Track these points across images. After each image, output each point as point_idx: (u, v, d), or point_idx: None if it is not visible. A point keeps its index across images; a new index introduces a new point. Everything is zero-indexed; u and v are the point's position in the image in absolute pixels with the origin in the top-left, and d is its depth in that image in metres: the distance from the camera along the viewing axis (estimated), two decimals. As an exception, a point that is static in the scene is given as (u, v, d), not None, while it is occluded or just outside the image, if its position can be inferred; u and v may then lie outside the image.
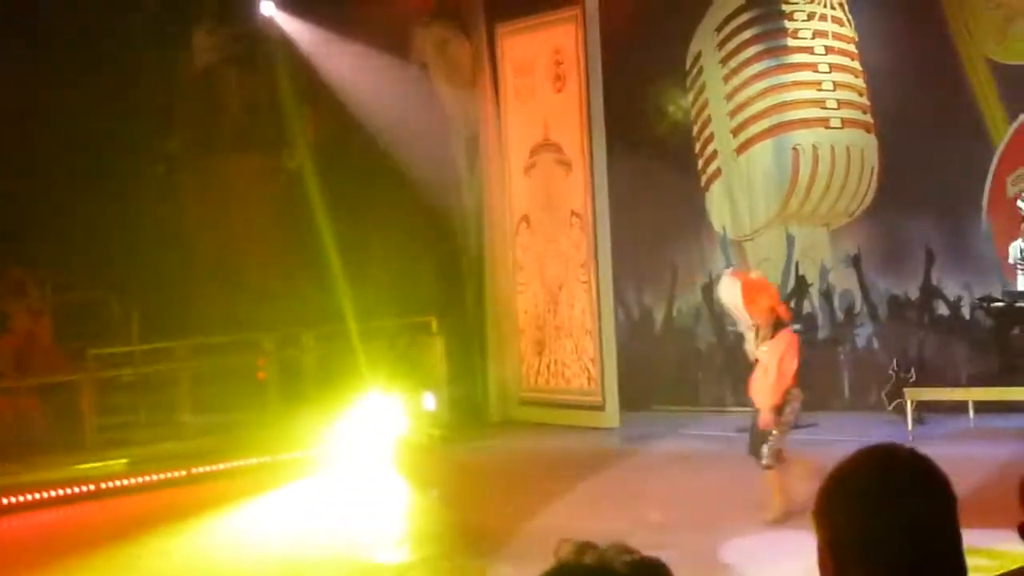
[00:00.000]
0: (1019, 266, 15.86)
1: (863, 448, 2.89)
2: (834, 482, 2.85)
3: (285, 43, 19.29)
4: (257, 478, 15.77)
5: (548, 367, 19.49)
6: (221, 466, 16.39)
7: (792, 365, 11.98)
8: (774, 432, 12.05)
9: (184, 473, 16.13)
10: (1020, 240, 15.81)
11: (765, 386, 11.94)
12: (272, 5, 19.27)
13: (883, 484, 2.81)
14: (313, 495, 15.06)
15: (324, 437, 16.82)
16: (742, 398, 18.61)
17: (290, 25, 19.30)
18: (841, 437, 15.93)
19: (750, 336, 12.20)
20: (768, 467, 12.12)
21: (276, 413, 17.74)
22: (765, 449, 12.04)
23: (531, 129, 19.69)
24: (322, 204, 18.38)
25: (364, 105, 19.21)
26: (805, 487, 11.13)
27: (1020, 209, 15.91)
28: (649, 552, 2.52)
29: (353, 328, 17.72)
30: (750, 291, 12.31)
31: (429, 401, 18.18)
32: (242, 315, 18.13)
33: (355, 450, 16.73)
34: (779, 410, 12.10)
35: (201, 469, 16.24)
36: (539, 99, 19.55)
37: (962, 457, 14.04)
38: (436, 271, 20.19)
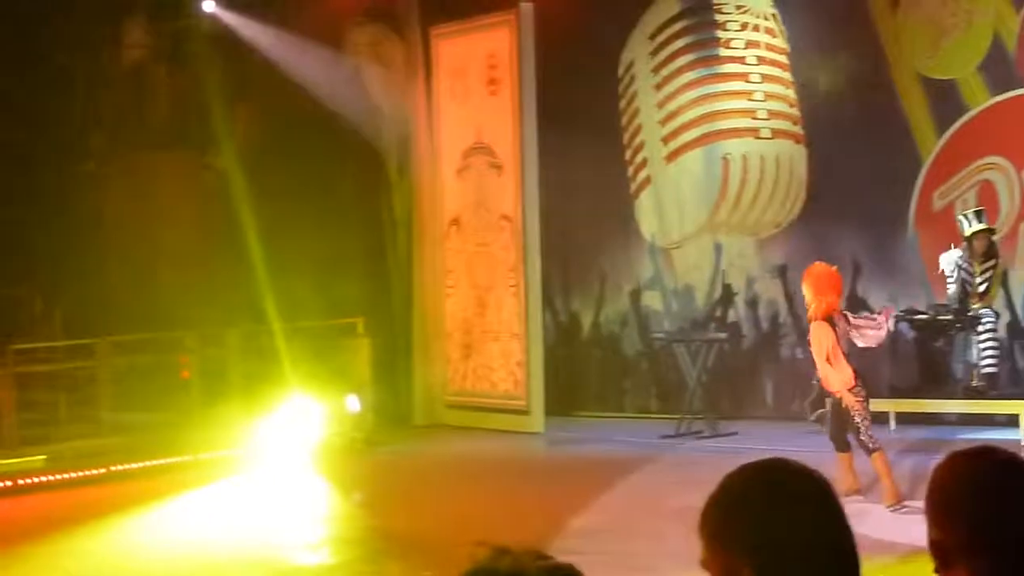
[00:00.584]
0: (950, 278, 15.94)
1: (744, 466, 2.89)
2: (727, 500, 2.85)
3: (219, 40, 19.18)
4: (178, 477, 15.66)
5: (474, 371, 19.47)
6: (141, 464, 16.26)
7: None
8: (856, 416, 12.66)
9: (103, 471, 15.99)
10: (957, 253, 15.85)
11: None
12: (212, 3, 19.16)
13: (774, 495, 2.81)
14: (234, 496, 14.97)
15: (246, 437, 16.73)
16: (667, 405, 18.74)
17: (229, 21, 19.18)
18: (763, 446, 16.00)
19: None
20: (874, 450, 12.55)
21: (198, 412, 17.61)
22: (862, 436, 12.57)
23: (464, 132, 19.67)
24: (249, 203, 18.29)
25: (297, 104, 19.14)
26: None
27: (960, 223, 15.99)
28: (567, 558, 2.51)
29: (278, 328, 17.64)
30: (821, 281, 12.86)
31: (353, 403, 18.11)
32: (166, 313, 18.01)
33: (277, 451, 16.66)
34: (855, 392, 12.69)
35: (121, 467, 16.12)
36: (472, 102, 19.53)
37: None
38: (364, 272, 20.13)
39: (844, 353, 12.68)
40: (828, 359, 12.54)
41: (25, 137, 18.12)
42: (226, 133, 19.51)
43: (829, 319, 12.70)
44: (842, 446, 12.91)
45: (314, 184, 19.18)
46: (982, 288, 15.76)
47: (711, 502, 2.85)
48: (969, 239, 15.84)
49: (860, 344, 12.90)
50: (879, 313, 13.63)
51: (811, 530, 2.77)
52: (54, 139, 18.40)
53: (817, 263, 13.62)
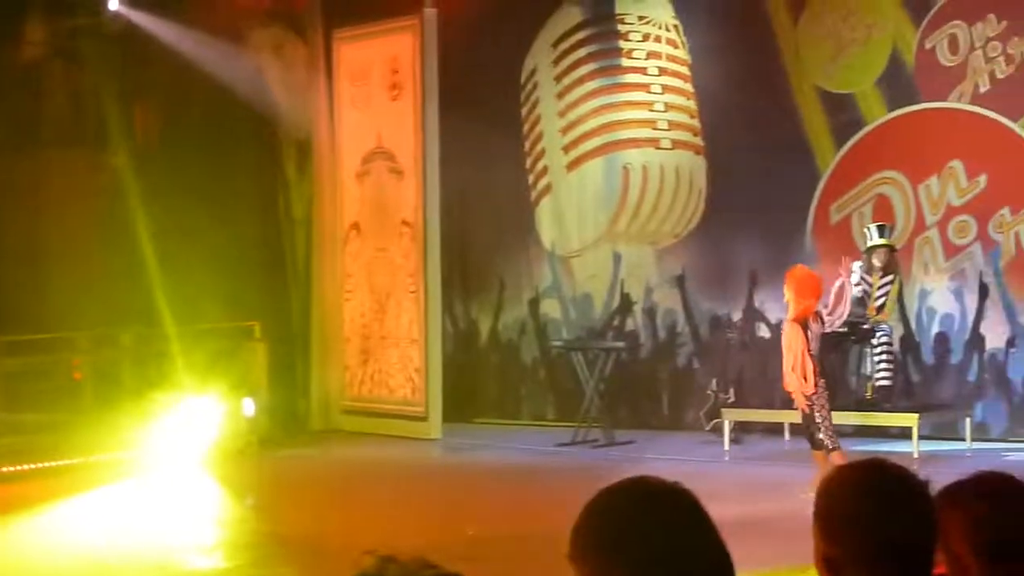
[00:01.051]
0: (858, 288, 16.06)
1: (606, 488, 2.87)
2: (593, 522, 2.84)
3: (119, 39, 19.01)
4: (70, 480, 15.48)
5: (372, 376, 19.41)
6: (33, 466, 16.06)
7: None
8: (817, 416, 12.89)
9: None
10: (860, 265, 15.98)
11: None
12: (116, 1, 18.99)
13: (639, 513, 2.80)
14: (127, 499, 14.82)
15: (140, 440, 16.58)
16: (564, 413, 18.79)
17: (133, 17, 19.01)
18: (659, 455, 16.10)
19: None
20: (832, 450, 12.80)
21: (91, 414, 17.43)
22: (821, 434, 12.83)
23: (365, 136, 19.62)
24: (145, 202, 18.15)
25: (196, 105, 19.02)
26: None
27: (867, 234, 16.15)
28: (461, 565, 2.50)
29: (173, 330, 17.51)
30: (803, 284, 13.02)
31: (249, 407, 17.99)
32: (60, 313, 17.81)
33: (171, 454, 16.51)
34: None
35: (12, 469, 15.92)
36: (374, 106, 19.48)
37: (776, 478, 14.29)
38: (262, 275, 20.02)
39: (811, 355, 12.84)
40: (794, 362, 12.72)
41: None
42: (123, 131, 19.34)
43: (804, 322, 12.87)
44: (816, 443, 13.08)
45: (212, 185, 19.05)
46: (879, 303, 15.91)
47: (577, 525, 2.83)
48: (867, 252, 16.00)
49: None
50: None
51: (678, 546, 2.74)
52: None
53: (799, 266, 13.93)
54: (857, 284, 15.94)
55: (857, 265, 15.98)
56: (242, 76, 19.48)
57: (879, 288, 15.93)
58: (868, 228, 16.26)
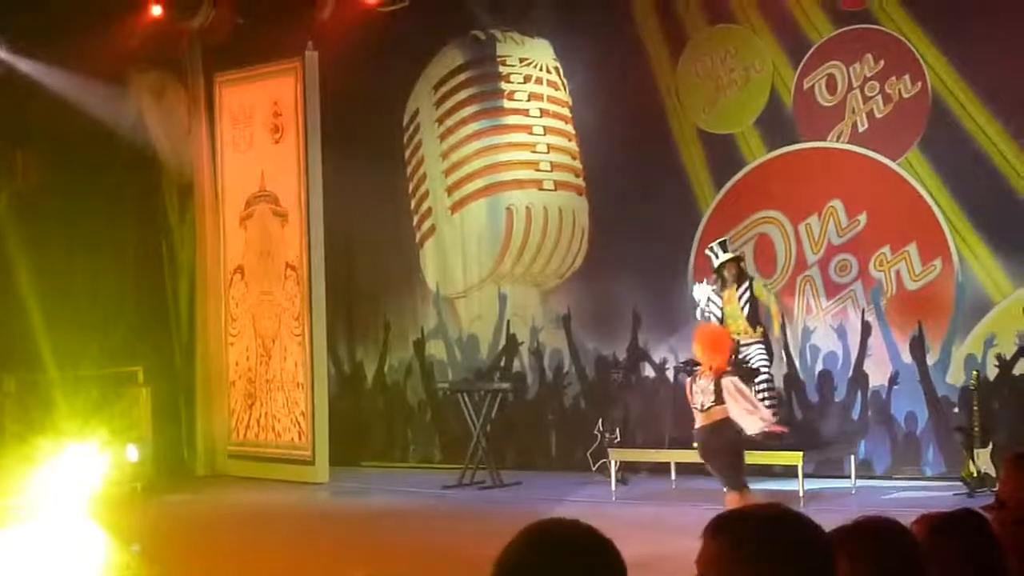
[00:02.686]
0: (705, 310, 16.19)
1: (524, 529, 2.90)
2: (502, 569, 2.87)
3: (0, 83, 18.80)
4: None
5: (259, 420, 19.29)
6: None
7: None
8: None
9: None
10: (710, 287, 16.13)
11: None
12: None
13: (554, 555, 2.83)
14: (11, 546, 14.62)
15: (24, 486, 16.38)
16: (451, 455, 18.77)
17: (13, 63, 18.83)
18: (546, 496, 16.11)
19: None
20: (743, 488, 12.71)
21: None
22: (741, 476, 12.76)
23: (248, 179, 19.55)
24: (27, 248, 17.95)
25: (76, 151, 18.84)
26: None
27: (709, 258, 16.30)
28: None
29: (55, 376, 17.33)
30: (719, 342, 13.03)
31: (133, 453, 17.84)
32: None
33: (54, 501, 16.32)
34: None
35: None
36: (257, 149, 19.42)
37: (662, 517, 14.36)
38: (145, 320, 19.87)
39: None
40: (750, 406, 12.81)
41: None
42: (3, 175, 19.11)
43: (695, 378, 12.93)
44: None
45: (93, 229, 18.89)
46: (746, 312, 16.03)
47: (494, 570, 2.86)
48: (719, 270, 16.15)
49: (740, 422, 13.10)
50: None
51: None
52: None
53: (707, 325, 14.42)
54: (705, 307, 16.09)
55: (703, 288, 16.15)
56: (122, 121, 19.35)
57: (740, 300, 16.07)
58: (711, 249, 16.37)
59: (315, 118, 18.62)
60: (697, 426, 12.78)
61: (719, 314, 16.04)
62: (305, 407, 18.55)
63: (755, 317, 16.10)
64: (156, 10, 19.00)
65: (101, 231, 18.99)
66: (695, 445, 12.92)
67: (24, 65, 18.74)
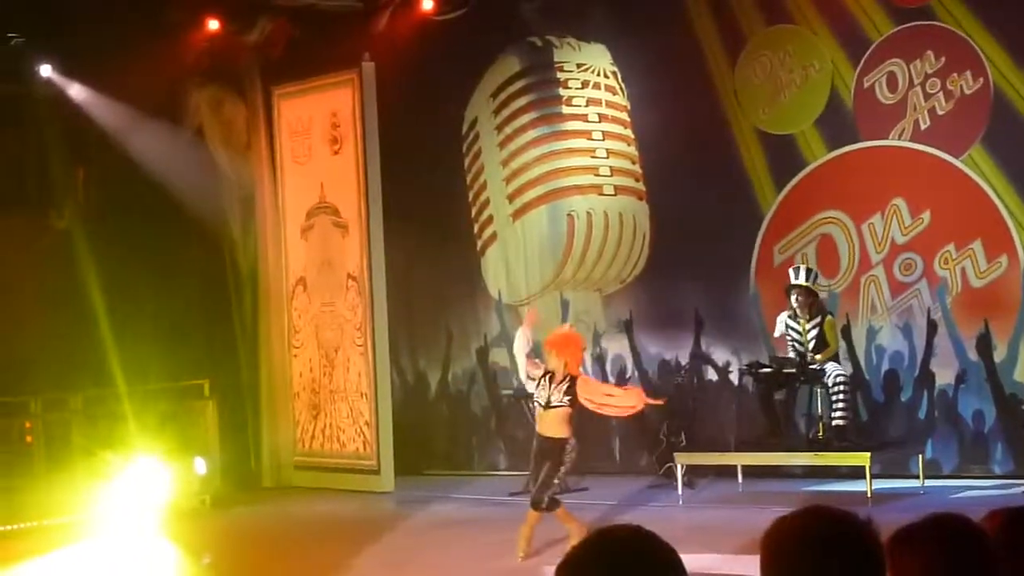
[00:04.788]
0: (787, 338, 16.14)
1: (588, 538, 2.91)
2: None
3: (58, 103, 18.94)
4: (22, 544, 15.38)
5: (323, 431, 19.35)
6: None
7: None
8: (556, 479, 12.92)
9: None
10: (786, 314, 16.08)
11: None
12: (49, 67, 18.94)
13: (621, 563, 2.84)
14: (81, 562, 14.71)
15: (93, 502, 16.48)
16: (515, 462, 18.75)
17: (65, 85, 18.99)
18: (612, 501, 16.08)
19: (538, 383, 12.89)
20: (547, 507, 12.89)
21: (43, 477, 17.32)
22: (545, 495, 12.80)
23: (308, 191, 19.62)
24: (92, 264, 18.08)
25: (138, 165, 18.95)
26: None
27: (789, 276, 16.19)
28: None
29: (123, 391, 17.42)
30: (568, 342, 13.09)
31: (200, 466, 17.92)
32: (7, 377, 17.69)
33: (124, 516, 16.41)
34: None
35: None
36: (316, 161, 19.49)
37: (730, 521, 14.28)
38: (209, 333, 19.97)
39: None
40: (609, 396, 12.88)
41: None
42: (67, 194, 19.27)
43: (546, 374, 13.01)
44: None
45: (156, 244, 18.99)
46: (811, 345, 15.93)
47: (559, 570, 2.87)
48: (788, 290, 16.07)
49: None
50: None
51: None
52: None
53: (558, 329, 14.10)
54: (785, 334, 16.04)
55: (780, 317, 16.09)
56: (178, 142, 19.46)
57: (808, 332, 15.97)
58: (798, 267, 16.29)
59: (373, 129, 18.67)
60: (537, 427, 13.01)
61: (799, 340, 15.98)
62: (369, 417, 18.59)
63: (820, 348, 15.98)
64: (213, 25, 19.10)
65: (164, 245, 19.08)
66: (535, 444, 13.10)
67: (75, 90, 18.88)
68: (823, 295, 16.45)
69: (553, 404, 12.67)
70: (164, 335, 18.78)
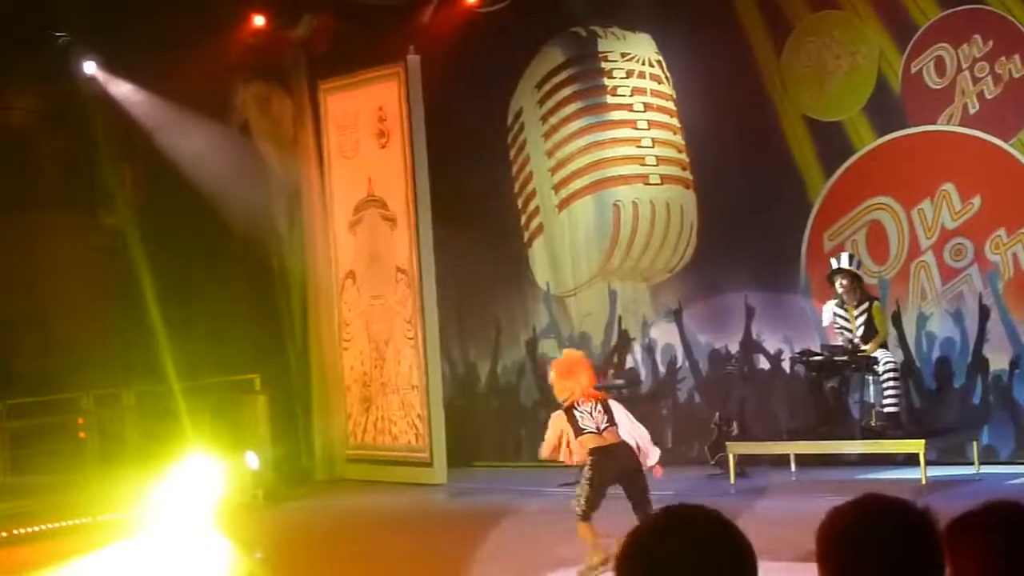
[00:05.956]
0: (836, 326, 16.07)
1: (660, 511, 2.92)
2: (636, 547, 2.87)
3: (104, 101, 19.04)
4: (77, 540, 15.44)
5: (375, 424, 19.39)
6: (40, 527, 16.04)
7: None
8: (578, 494, 12.07)
9: (3, 535, 15.78)
10: (833, 302, 16.01)
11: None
12: (94, 64, 19.04)
13: (687, 544, 2.84)
14: (135, 557, 14.77)
15: (145, 498, 16.54)
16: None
17: (110, 83, 19.09)
18: (663, 491, 16.03)
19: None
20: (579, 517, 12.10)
21: (96, 473, 17.42)
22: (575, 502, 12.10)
23: (355, 185, 19.65)
24: (142, 261, 18.16)
25: (185, 162, 19.04)
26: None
27: (831, 263, 16.11)
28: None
29: (174, 387, 17.49)
30: (573, 366, 12.41)
31: (252, 460, 17.97)
32: (60, 374, 17.81)
33: (177, 510, 16.47)
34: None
35: (19, 530, 15.89)
36: (363, 155, 19.52)
37: (784, 510, 14.23)
38: (259, 328, 20.03)
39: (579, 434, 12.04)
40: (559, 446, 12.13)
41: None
42: (116, 192, 19.36)
43: (570, 408, 12.08)
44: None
45: (204, 240, 19.07)
46: (860, 331, 15.85)
47: (623, 551, 2.87)
48: (830, 277, 15.99)
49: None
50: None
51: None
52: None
53: (566, 353, 13.24)
54: (833, 323, 15.95)
55: (827, 306, 16.00)
56: (228, 133, 19.54)
57: (856, 319, 15.89)
58: (839, 255, 16.22)
59: (419, 122, 18.69)
60: (602, 445, 11.97)
61: (848, 327, 15.90)
62: (421, 409, 18.61)
63: (870, 335, 15.88)
64: (259, 21, 19.15)
65: (212, 242, 19.15)
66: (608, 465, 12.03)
67: (122, 87, 18.96)
68: (872, 281, 16.37)
69: (603, 427, 11.97)
70: (214, 330, 18.85)
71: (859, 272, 15.99)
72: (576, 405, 12.03)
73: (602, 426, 12.01)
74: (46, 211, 19.27)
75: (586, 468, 12.02)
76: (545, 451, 12.42)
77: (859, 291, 15.91)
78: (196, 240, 18.98)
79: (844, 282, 15.84)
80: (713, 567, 2.83)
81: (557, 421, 12.15)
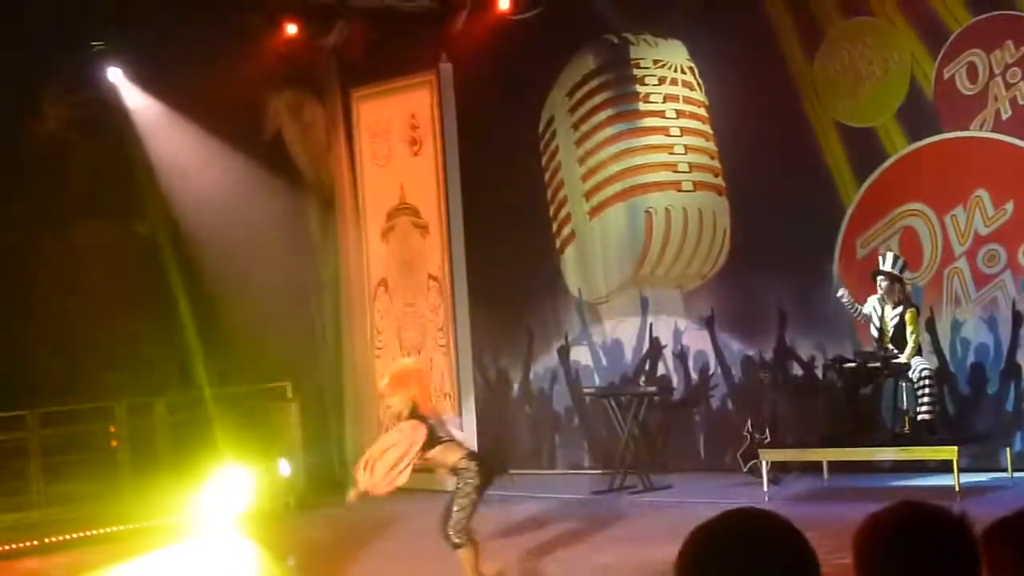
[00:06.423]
0: (870, 322, 16.03)
1: (726, 513, 2.91)
2: (701, 547, 2.87)
3: (126, 110, 19.11)
4: (110, 548, 15.50)
5: (406, 432, 19.36)
6: (72, 536, 16.09)
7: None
8: (458, 510, 11.38)
9: (36, 543, 15.84)
10: (876, 297, 15.97)
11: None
12: (120, 72, 19.08)
13: (753, 547, 2.83)
14: (167, 566, 14.81)
15: (178, 505, 16.59)
16: (599, 460, 18.74)
17: (134, 95, 19.14)
18: (696, 499, 16.02)
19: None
20: (458, 546, 11.51)
21: (128, 482, 17.47)
22: (451, 528, 11.43)
23: (388, 193, 19.67)
24: (174, 270, 18.22)
25: (215, 169, 19.11)
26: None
27: (878, 261, 16.07)
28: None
29: (207, 394, 17.54)
30: (405, 377, 11.80)
31: (284, 468, 18.01)
32: (92, 383, 17.86)
33: (209, 518, 16.52)
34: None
35: (51, 539, 15.95)
36: (395, 163, 19.55)
37: (817, 517, 14.18)
38: (291, 336, 20.05)
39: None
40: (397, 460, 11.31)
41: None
42: (147, 200, 19.41)
43: (424, 417, 11.55)
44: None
45: (236, 248, 19.10)
46: (891, 333, 15.83)
47: (683, 552, 2.87)
48: (873, 276, 15.99)
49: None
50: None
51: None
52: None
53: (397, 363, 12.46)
54: (868, 318, 15.93)
55: (874, 298, 15.98)
56: (260, 142, 19.60)
57: (890, 321, 15.88)
58: (885, 254, 16.19)
59: (452, 129, 18.72)
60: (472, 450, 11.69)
61: (877, 324, 15.89)
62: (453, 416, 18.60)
63: (899, 338, 15.85)
64: (292, 29, 19.20)
65: (245, 248, 19.18)
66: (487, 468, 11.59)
67: (135, 97, 19.02)
68: (908, 288, 16.32)
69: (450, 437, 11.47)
70: (246, 338, 18.89)
71: (900, 275, 15.97)
72: (424, 415, 11.47)
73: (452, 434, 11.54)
74: (78, 219, 19.33)
75: (464, 479, 11.33)
76: (385, 475, 11.36)
77: (899, 293, 15.89)
78: (227, 246, 19.00)
79: (884, 283, 15.84)
80: (779, 571, 2.83)
81: (414, 432, 11.37)
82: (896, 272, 15.89)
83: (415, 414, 11.43)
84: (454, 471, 11.44)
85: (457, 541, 11.37)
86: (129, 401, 18.09)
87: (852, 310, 16.12)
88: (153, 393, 18.22)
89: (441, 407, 11.76)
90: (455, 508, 11.33)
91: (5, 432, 17.63)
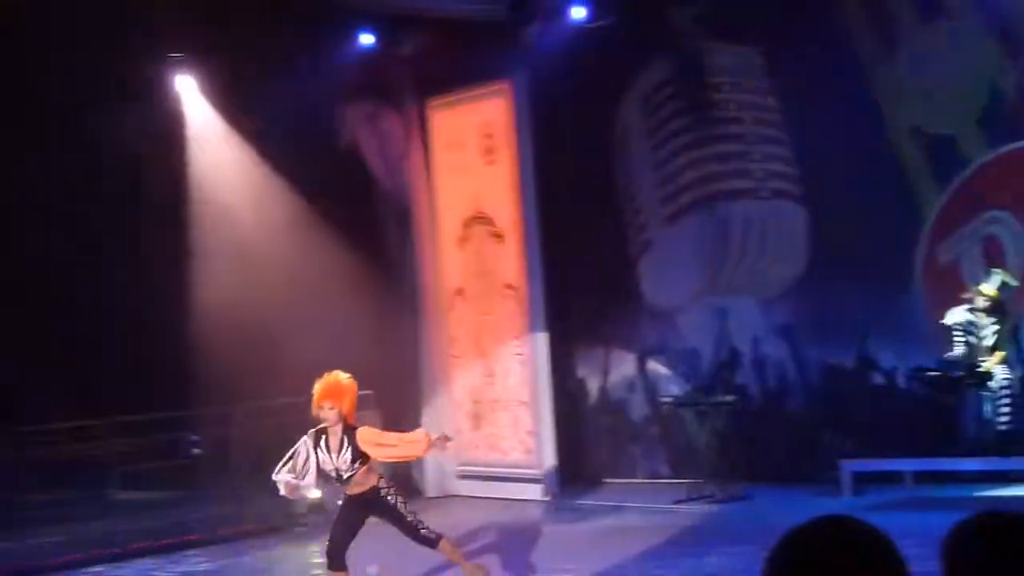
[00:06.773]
0: (960, 330, 15.90)
1: (814, 519, 2.90)
2: (791, 552, 2.86)
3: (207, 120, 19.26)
4: (192, 555, 15.61)
5: (485, 440, 19.43)
6: (155, 543, 16.22)
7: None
8: (410, 517, 12.11)
9: (119, 551, 15.97)
10: (965, 307, 15.85)
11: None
12: (198, 84, 19.19)
13: (842, 552, 2.82)
14: (249, 573, 14.89)
15: (257, 514, 16.67)
16: (677, 470, 18.68)
17: (204, 107, 19.26)
18: (777, 509, 15.93)
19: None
20: (434, 541, 12.21)
21: (207, 490, 17.57)
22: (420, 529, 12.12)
23: (463, 202, 19.72)
24: (253, 279, 18.32)
25: (292, 182, 19.20)
26: None
27: (989, 276, 15.97)
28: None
29: (286, 403, 17.61)
30: (339, 389, 11.86)
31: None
32: (172, 392, 17.96)
33: (288, 527, 16.59)
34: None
35: (136, 546, 16.09)
36: (470, 172, 19.59)
37: (900, 528, 14.05)
38: (370, 344, 20.08)
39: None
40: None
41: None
42: (220, 211, 19.50)
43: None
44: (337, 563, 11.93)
45: (315, 257, 19.17)
46: (987, 343, 15.72)
47: (772, 558, 2.86)
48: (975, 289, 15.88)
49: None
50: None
51: None
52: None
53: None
54: (960, 328, 15.79)
55: (960, 310, 15.84)
56: (337, 152, 19.67)
57: (984, 329, 15.74)
58: (997, 272, 16.03)
59: (526, 138, 18.74)
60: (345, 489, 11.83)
61: (976, 334, 15.76)
62: (531, 426, 18.63)
63: (995, 352, 15.74)
64: (368, 40, 19.27)
65: (324, 258, 19.25)
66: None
67: (199, 111, 19.13)
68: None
69: (347, 477, 11.65)
70: (326, 347, 18.94)
71: (1003, 298, 15.84)
72: (326, 443, 11.65)
73: (345, 476, 11.72)
74: (157, 230, 19.44)
75: (389, 492, 11.95)
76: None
77: (998, 306, 15.79)
78: (307, 256, 19.08)
79: (986, 305, 15.74)
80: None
81: (369, 435, 11.78)
82: (998, 295, 15.79)
83: (347, 426, 11.66)
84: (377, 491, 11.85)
85: (432, 537, 12.09)
86: (209, 410, 18.19)
87: (960, 332, 15.97)
88: (232, 402, 18.30)
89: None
90: (407, 518, 12.02)
91: (84, 441, 17.77)
